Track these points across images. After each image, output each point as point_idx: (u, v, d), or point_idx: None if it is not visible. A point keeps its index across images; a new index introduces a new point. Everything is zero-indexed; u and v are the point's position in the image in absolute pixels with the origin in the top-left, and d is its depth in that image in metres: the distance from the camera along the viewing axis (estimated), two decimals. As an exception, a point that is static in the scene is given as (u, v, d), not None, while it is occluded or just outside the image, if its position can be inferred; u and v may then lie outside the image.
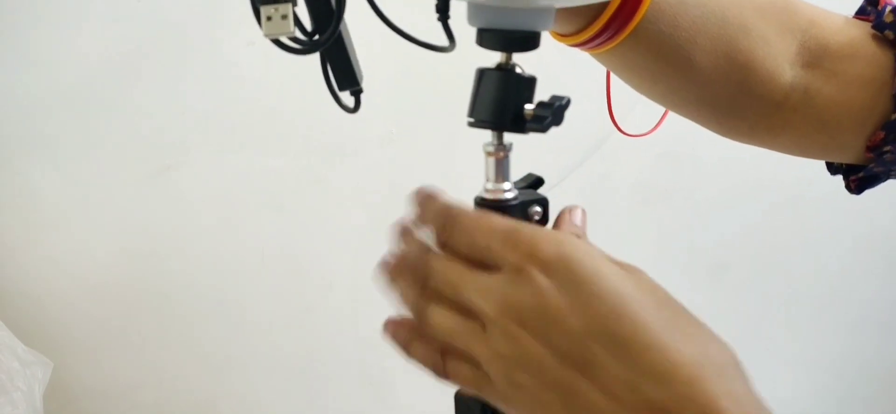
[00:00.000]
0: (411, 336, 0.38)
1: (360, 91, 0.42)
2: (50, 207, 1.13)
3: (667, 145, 1.21)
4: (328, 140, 1.15)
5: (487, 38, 0.38)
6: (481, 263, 0.35)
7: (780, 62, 0.48)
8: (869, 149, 0.49)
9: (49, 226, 1.14)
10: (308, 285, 1.21)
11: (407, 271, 0.38)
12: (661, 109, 0.54)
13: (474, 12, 0.38)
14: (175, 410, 1.23)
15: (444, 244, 0.37)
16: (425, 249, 0.38)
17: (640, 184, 1.23)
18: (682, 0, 0.45)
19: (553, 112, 0.37)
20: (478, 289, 0.34)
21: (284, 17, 0.36)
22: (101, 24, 1.08)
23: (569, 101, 0.37)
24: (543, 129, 0.37)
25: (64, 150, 1.12)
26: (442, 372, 0.37)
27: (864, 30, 0.48)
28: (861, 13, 0.50)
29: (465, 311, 0.35)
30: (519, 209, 0.40)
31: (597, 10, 0.44)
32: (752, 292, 1.32)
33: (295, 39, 0.39)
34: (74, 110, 1.11)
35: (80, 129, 1.11)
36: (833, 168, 0.53)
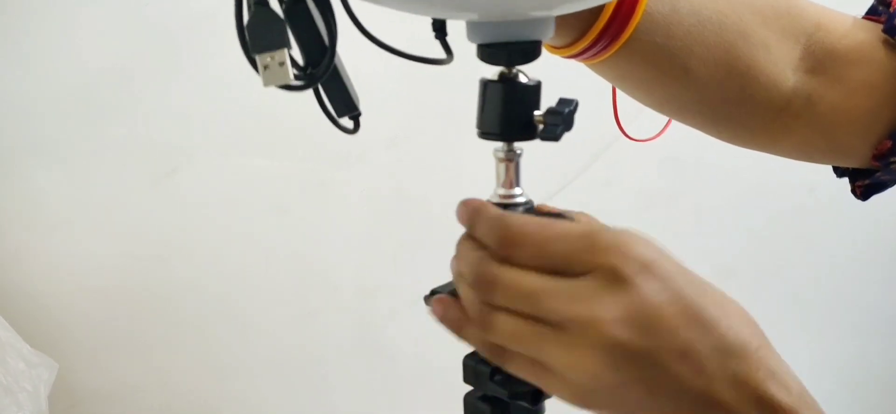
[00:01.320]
0: (465, 318, 0.37)
1: (359, 114, 0.42)
2: (55, 210, 1.13)
3: (672, 150, 1.21)
4: (334, 143, 1.15)
5: (488, 53, 0.38)
6: (554, 271, 0.35)
7: (782, 68, 0.47)
8: (875, 158, 0.47)
9: (54, 229, 1.14)
10: (313, 288, 1.21)
11: (467, 284, 0.37)
12: (667, 114, 0.54)
13: (473, 29, 0.38)
14: (180, 413, 1.23)
15: (506, 257, 0.36)
16: (487, 260, 0.36)
17: (645, 188, 1.23)
18: (675, 9, 0.44)
19: (563, 119, 0.37)
20: (561, 295, 0.34)
21: (281, 64, 0.35)
22: (107, 28, 1.09)
23: (577, 104, 0.37)
24: (557, 138, 0.37)
25: (69, 153, 1.12)
26: (502, 357, 0.37)
27: (873, 33, 0.47)
28: (872, 13, 0.49)
29: (538, 319, 0.35)
30: (529, 214, 0.40)
31: (589, 22, 0.43)
32: (757, 297, 1.31)
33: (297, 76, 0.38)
34: (80, 114, 1.11)
35: (85, 132, 1.12)
36: (839, 171, 0.52)
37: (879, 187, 0.50)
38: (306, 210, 1.18)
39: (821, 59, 0.47)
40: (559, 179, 1.11)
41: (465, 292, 0.37)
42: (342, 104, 0.41)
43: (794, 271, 1.32)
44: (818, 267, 1.32)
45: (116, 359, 1.19)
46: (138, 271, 1.17)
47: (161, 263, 1.17)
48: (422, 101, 1.14)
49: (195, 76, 1.11)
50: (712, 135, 0.52)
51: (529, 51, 0.38)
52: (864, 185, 0.50)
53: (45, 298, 1.15)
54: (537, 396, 0.39)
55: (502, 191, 0.40)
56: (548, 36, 0.38)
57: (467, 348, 0.40)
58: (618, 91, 0.54)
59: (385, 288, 1.20)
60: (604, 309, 0.34)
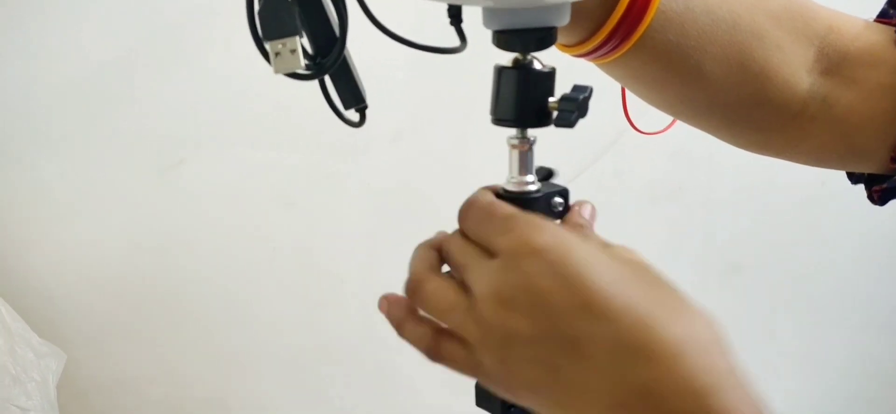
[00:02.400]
0: (406, 315, 0.39)
1: (366, 107, 0.42)
2: (62, 202, 1.14)
3: (681, 144, 1.20)
4: (339, 136, 1.15)
5: (503, 39, 0.38)
6: (485, 249, 0.36)
7: (797, 69, 0.46)
8: (893, 159, 0.47)
9: (61, 221, 1.14)
10: (318, 281, 1.21)
11: (425, 248, 0.39)
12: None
13: (490, 16, 0.38)
14: (185, 405, 1.23)
15: (461, 228, 0.38)
16: (451, 233, 0.39)
17: (654, 182, 1.23)
18: (689, 7, 0.44)
19: (578, 106, 0.37)
20: (476, 270, 0.36)
21: (293, 51, 0.36)
22: (113, 20, 1.09)
23: (591, 91, 0.37)
24: (571, 125, 0.37)
25: (75, 145, 1.12)
26: (435, 353, 0.37)
27: (886, 35, 0.47)
28: (883, 16, 0.48)
29: (465, 291, 0.36)
30: (542, 201, 0.40)
31: (601, 19, 0.43)
32: (763, 292, 1.32)
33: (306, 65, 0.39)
34: (86, 106, 1.11)
35: (91, 124, 1.12)
36: (854, 178, 0.52)
37: None
38: (312, 203, 1.18)
39: (835, 60, 0.47)
40: (568, 172, 1.10)
41: (415, 263, 0.40)
42: (350, 96, 0.41)
43: (800, 266, 1.31)
44: (825, 262, 1.31)
45: (123, 350, 1.20)
46: (144, 263, 1.17)
47: (167, 254, 1.17)
48: (427, 94, 1.14)
49: (201, 68, 1.11)
50: (726, 139, 0.51)
51: (545, 37, 0.38)
52: (882, 189, 0.50)
53: (52, 290, 1.15)
54: None
55: (516, 178, 0.40)
56: (564, 21, 0.38)
57: None
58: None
59: (390, 281, 1.20)
60: (493, 286, 0.34)
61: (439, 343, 0.37)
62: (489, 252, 0.36)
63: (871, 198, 0.51)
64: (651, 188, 1.23)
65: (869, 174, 0.50)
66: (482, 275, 0.35)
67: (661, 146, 1.17)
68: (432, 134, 1.16)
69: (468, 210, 0.38)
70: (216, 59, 1.10)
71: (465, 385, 0.42)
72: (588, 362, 0.32)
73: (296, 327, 1.23)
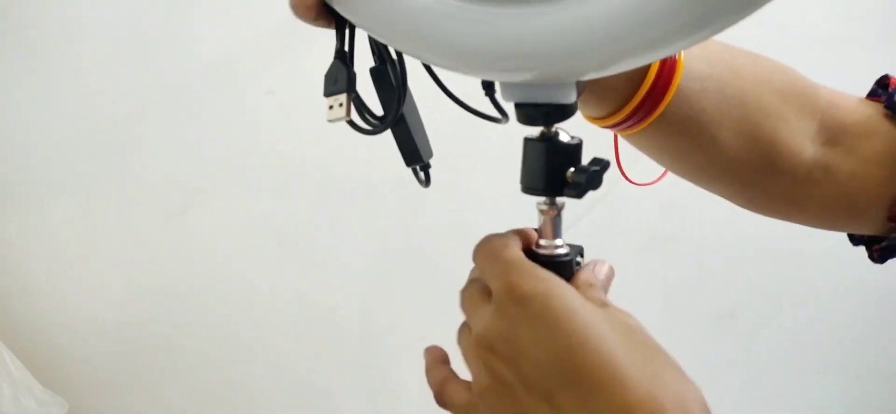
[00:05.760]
0: (432, 361, 0.41)
1: (427, 166, 0.47)
2: (69, 247, 1.15)
3: (672, 194, 1.22)
4: (342, 184, 1.17)
5: (522, 113, 0.40)
6: (487, 291, 0.38)
7: (802, 140, 0.51)
8: (890, 218, 0.51)
9: (68, 265, 1.16)
10: (319, 325, 1.22)
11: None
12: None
13: (506, 89, 0.40)
14: (185, 452, 1.23)
15: (477, 270, 0.39)
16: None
17: (647, 232, 1.25)
18: (704, 87, 0.48)
19: (587, 178, 0.38)
20: (473, 313, 0.37)
21: (341, 104, 0.42)
22: (121, 72, 1.11)
23: (606, 165, 0.38)
24: (579, 196, 0.38)
25: (82, 192, 1.14)
26: (439, 396, 0.38)
27: (877, 109, 0.52)
28: (873, 95, 0.53)
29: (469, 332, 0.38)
30: (569, 265, 0.40)
31: (628, 96, 0.47)
32: (757, 341, 1.33)
33: (366, 121, 0.45)
34: (93, 154, 1.13)
35: (98, 172, 1.14)
36: (855, 239, 0.56)
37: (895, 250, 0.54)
38: (313, 249, 1.19)
39: (835, 132, 0.52)
40: (563, 221, 1.12)
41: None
42: (407, 153, 0.47)
43: (794, 315, 1.32)
44: (818, 311, 1.33)
45: (126, 396, 1.20)
46: (147, 310, 1.18)
47: (169, 301, 1.18)
48: (430, 142, 1.16)
49: (210, 120, 1.14)
50: (739, 203, 0.55)
51: (563, 110, 0.39)
52: (882, 248, 0.54)
53: (56, 336, 1.16)
54: None
55: (544, 242, 0.41)
56: (569, 99, 0.39)
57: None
58: (619, 136, 0.56)
59: (391, 326, 1.21)
60: (483, 332, 0.36)
61: (444, 387, 0.38)
62: (489, 294, 0.37)
63: (871, 257, 0.55)
64: (643, 238, 1.25)
65: (869, 236, 0.54)
66: (476, 318, 0.37)
67: (653, 197, 1.20)
68: (432, 182, 1.18)
69: (479, 248, 0.39)
70: (225, 111, 1.13)
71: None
72: None
73: (297, 371, 1.23)
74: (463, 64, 0.37)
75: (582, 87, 0.39)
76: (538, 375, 0.33)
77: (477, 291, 0.38)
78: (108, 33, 1.11)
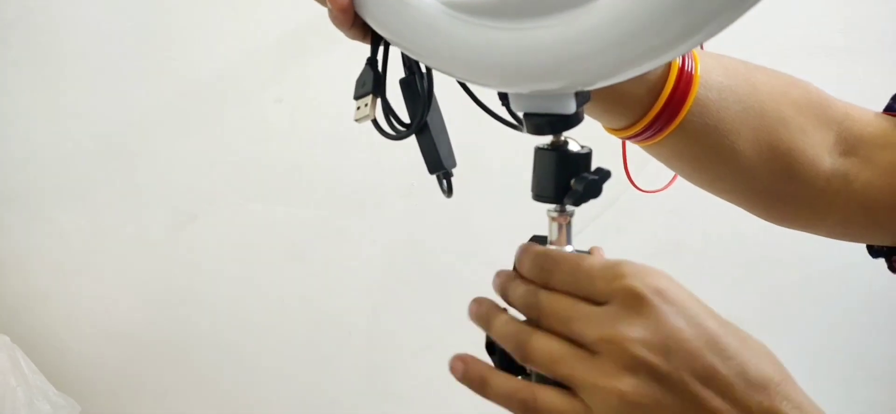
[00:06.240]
0: (488, 373, 0.40)
1: (449, 175, 0.49)
2: (81, 254, 1.16)
3: (680, 201, 1.23)
4: (350, 193, 1.18)
5: (530, 123, 0.41)
6: (585, 299, 0.38)
7: (820, 150, 0.52)
8: None
9: (78, 273, 1.17)
10: (327, 334, 1.23)
11: (503, 309, 0.41)
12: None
13: (514, 99, 0.41)
14: (195, 457, 1.24)
15: (546, 284, 0.39)
16: (533, 290, 0.40)
17: (654, 238, 1.25)
18: (723, 97, 0.49)
19: (585, 186, 0.39)
20: (591, 319, 0.37)
21: (367, 105, 0.46)
22: (133, 79, 1.13)
23: (605, 175, 0.39)
24: (576, 203, 0.39)
25: (92, 200, 1.15)
26: (533, 405, 0.38)
27: (892, 123, 0.53)
28: (889, 110, 0.54)
29: (573, 342, 0.38)
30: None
31: (646, 106, 0.48)
32: (766, 343, 1.32)
33: (392, 127, 0.48)
34: (103, 163, 1.15)
35: (108, 181, 1.15)
36: (874, 251, 0.57)
37: None
38: (322, 257, 1.20)
39: (852, 143, 0.53)
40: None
41: (501, 325, 0.40)
42: (430, 162, 0.49)
43: (801, 323, 1.33)
44: (823, 320, 1.33)
45: (134, 403, 1.21)
46: (157, 316, 1.19)
47: (179, 307, 1.19)
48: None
49: (219, 129, 1.15)
50: (758, 214, 0.56)
51: (568, 120, 0.40)
52: None
53: (67, 341, 1.17)
54: None
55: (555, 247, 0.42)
56: (569, 110, 0.40)
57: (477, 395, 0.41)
58: (628, 142, 0.57)
59: (398, 334, 1.22)
60: (629, 329, 0.36)
61: (536, 395, 0.38)
62: (589, 301, 0.37)
63: (891, 267, 0.56)
64: (650, 245, 1.25)
65: (888, 247, 0.55)
66: (596, 322, 0.37)
67: (661, 204, 1.20)
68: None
69: (557, 265, 0.39)
70: (234, 120, 1.14)
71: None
72: (723, 392, 0.36)
73: (304, 379, 1.24)
74: (468, 76, 0.39)
75: (584, 99, 0.40)
76: (696, 360, 0.36)
77: (567, 302, 0.38)
78: (117, 42, 1.12)
